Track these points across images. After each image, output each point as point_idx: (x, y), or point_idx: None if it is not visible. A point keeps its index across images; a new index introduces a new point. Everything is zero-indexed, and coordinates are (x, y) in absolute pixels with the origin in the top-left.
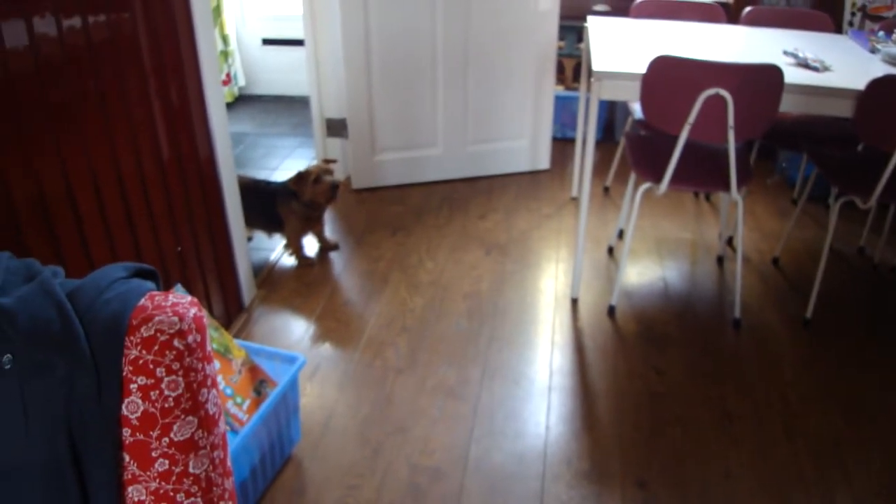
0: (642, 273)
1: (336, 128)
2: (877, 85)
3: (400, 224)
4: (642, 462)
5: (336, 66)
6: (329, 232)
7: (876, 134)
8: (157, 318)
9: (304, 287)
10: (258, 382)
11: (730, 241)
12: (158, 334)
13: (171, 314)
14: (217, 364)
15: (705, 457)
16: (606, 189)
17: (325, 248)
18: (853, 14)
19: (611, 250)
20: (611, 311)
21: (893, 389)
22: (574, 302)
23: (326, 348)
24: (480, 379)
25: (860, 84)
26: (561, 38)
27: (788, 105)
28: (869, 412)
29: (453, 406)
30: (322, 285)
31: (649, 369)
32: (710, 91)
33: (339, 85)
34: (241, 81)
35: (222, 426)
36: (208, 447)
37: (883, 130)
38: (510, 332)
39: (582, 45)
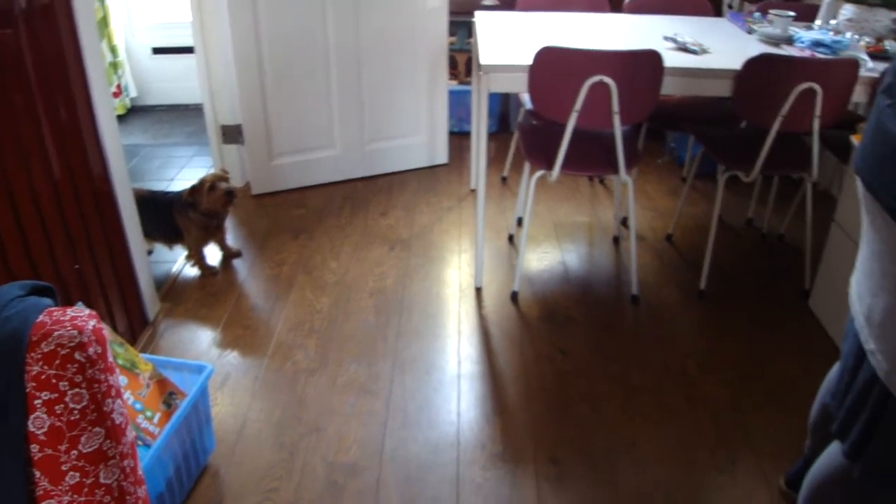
0: (542, 258)
1: (231, 134)
2: (752, 64)
3: (302, 227)
4: (553, 439)
5: (228, 71)
6: (231, 239)
7: (753, 111)
8: (56, 333)
9: (208, 297)
10: (167, 395)
11: (624, 222)
12: (59, 348)
13: (70, 328)
14: (124, 379)
15: (612, 429)
16: (504, 179)
17: (228, 255)
18: None
19: (511, 238)
20: (514, 297)
21: (787, 352)
22: (478, 291)
23: (235, 356)
24: (391, 373)
25: (737, 64)
26: (452, 33)
27: (670, 88)
28: (765, 375)
29: (366, 402)
30: (227, 293)
31: (554, 350)
32: (594, 78)
33: (232, 91)
34: (133, 92)
35: (130, 435)
36: (118, 457)
37: (759, 107)
38: (417, 325)
39: (472, 40)
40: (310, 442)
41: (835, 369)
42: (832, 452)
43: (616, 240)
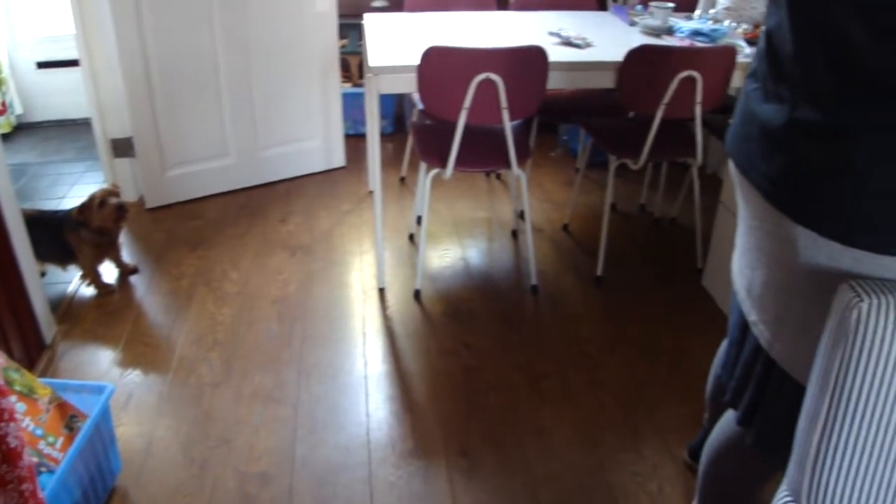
0: (443, 255)
1: (123, 148)
2: (632, 55)
3: (200, 238)
4: (462, 432)
5: (115, 84)
6: (127, 255)
7: (637, 100)
8: None
9: (107, 316)
10: (69, 418)
11: (522, 215)
12: None
13: None
14: (22, 406)
15: (520, 417)
16: (402, 179)
17: (124, 272)
18: None
19: (412, 237)
20: (417, 295)
21: (684, 329)
22: (381, 291)
23: (138, 374)
24: (297, 379)
25: (619, 56)
26: (343, 36)
27: (556, 82)
28: (664, 352)
29: (274, 410)
30: (126, 311)
31: (459, 345)
32: (481, 76)
33: (120, 103)
34: (19, 109)
35: (28, 459)
36: (15, 480)
37: (642, 96)
38: (322, 330)
39: (363, 42)
40: (219, 455)
41: (725, 342)
42: (727, 421)
43: (514, 233)
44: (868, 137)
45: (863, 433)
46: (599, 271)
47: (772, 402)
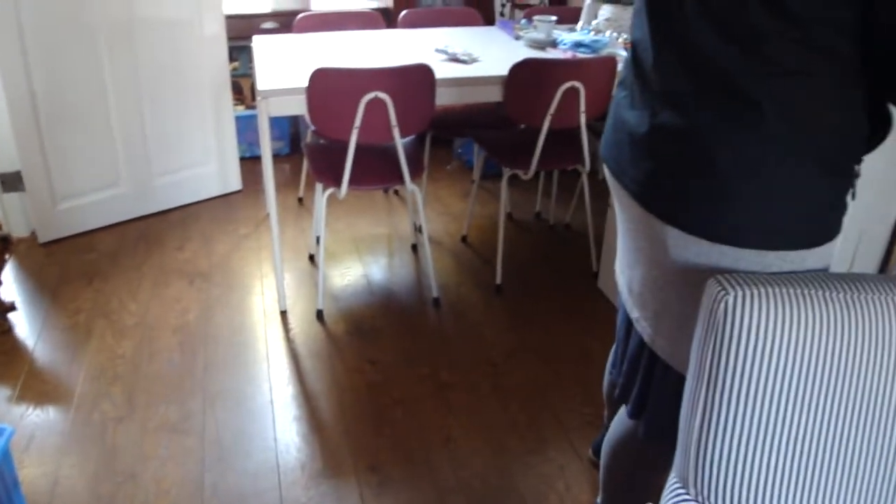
0: (345, 273)
1: (11, 182)
2: (516, 68)
3: (95, 271)
4: (371, 448)
5: (1, 116)
6: (17, 292)
7: (523, 112)
8: None
9: (2, 356)
10: None
11: (421, 229)
12: None
13: None
14: None
15: (427, 429)
16: (300, 200)
17: (1, 309)
18: (503, 5)
19: (312, 258)
20: (319, 315)
21: (583, 331)
22: (283, 314)
23: (38, 414)
24: (202, 408)
25: (504, 70)
26: (234, 59)
27: (445, 98)
28: (565, 355)
29: (180, 441)
30: (22, 350)
31: (364, 362)
32: (370, 95)
33: (6, 136)
34: None
35: None
36: None
37: (528, 108)
38: (224, 357)
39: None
40: (127, 491)
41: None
42: (621, 417)
43: (414, 247)
44: (726, 139)
45: (739, 417)
46: (499, 280)
47: (657, 394)
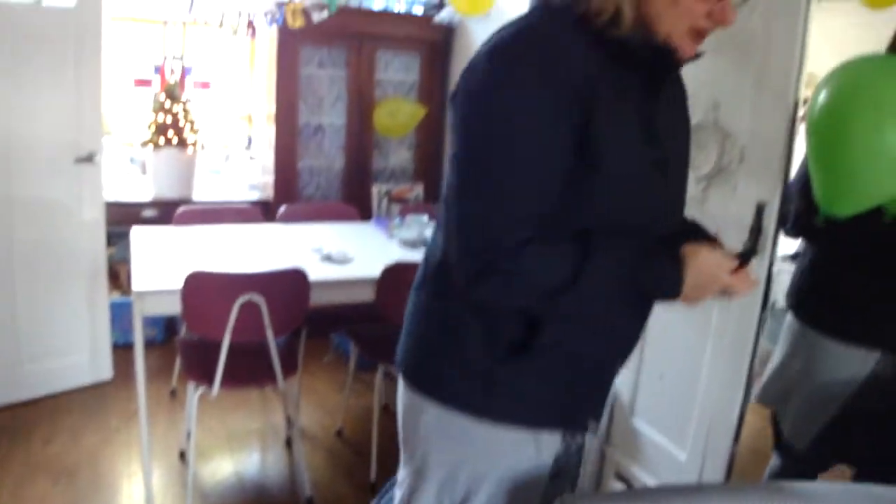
0: (216, 471)
1: None
2: (389, 271)
3: None
4: None
5: None
6: None
7: (394, 312)
8: None
9: None
10: None
11: (295, 424)
12: None
13: None
14: None
15: None
16: (173, 392)
17: None
18: (380, 200)
19: (182, 455)
20: None
21: None
22: None
23: None
24: None
25: (377, 271)
26: (113, 244)
27: (319, 298)
28: None
29: None
30: None
31: None
32: (244, 298)
33: None
34: None
35: None
36: None
37: (399, 308)
38: None
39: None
40: None
41: None
42: None
43: (289, 442)
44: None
45: None
46: (373, 477)
47: None
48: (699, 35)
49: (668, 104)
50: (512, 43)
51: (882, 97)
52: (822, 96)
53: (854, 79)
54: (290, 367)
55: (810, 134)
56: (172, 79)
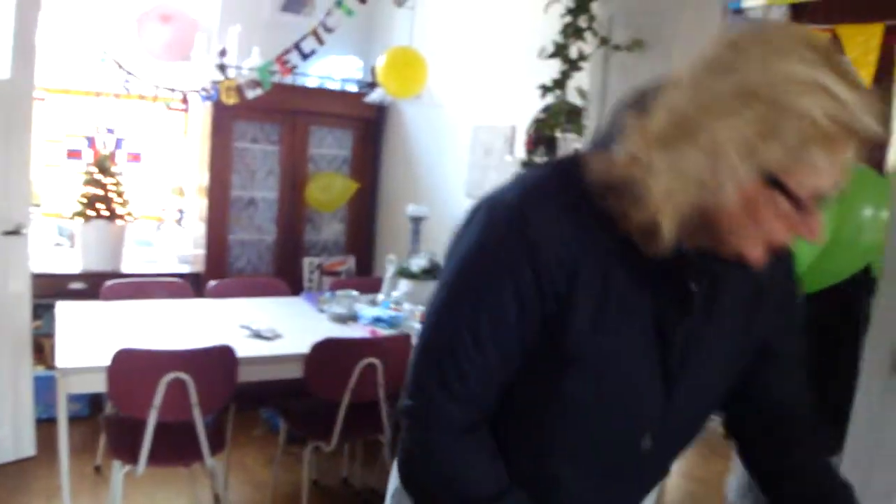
0: None
1: None
2: (318, 348)
3: None
4: None
5: None
6: None
7: (323, 388)
8: None
9: None
10: None
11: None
12: None
13: None
14: None
15: None
16: (98, 468)
17: None
18: (312, 272)
19: None
20: None
21: None
22: None
23: None
24: None
25: (305, 348)
26: (38, 316)
27: (247, 375)
28: None
29: None
30: None
31: None
32: (171, 376)
33: None
34: None
35: None
36: None
37: (328, 384)
38: None
39: None
40: None
41: None
42: None
43: None
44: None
45: None
46: None
47: None
48: (774, 249)
49: (710, 314)
50: (504, 213)
51: None
52: None
53: None
54: (217, 445)
55: None
56: (104, 151)
